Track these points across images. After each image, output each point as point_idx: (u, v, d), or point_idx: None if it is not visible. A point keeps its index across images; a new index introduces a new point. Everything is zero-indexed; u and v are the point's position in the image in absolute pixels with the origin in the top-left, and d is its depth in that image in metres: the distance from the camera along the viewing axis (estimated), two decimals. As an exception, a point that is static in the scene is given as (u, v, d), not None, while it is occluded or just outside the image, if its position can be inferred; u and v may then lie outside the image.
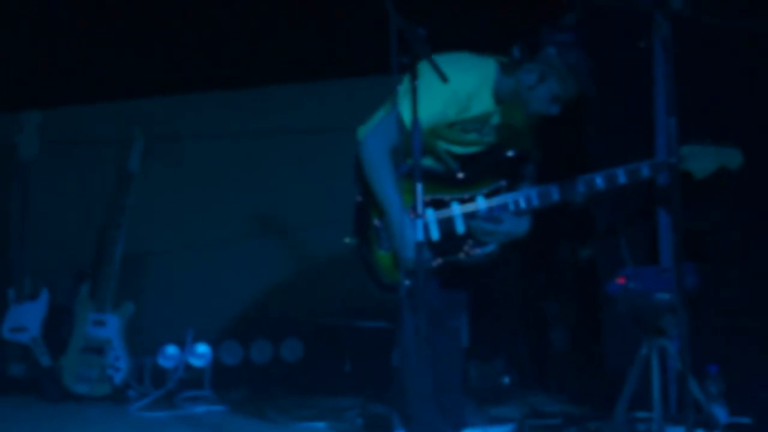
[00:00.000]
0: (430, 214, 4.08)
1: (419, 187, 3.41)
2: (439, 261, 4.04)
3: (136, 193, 6.15)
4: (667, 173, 3.44)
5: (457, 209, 4.09)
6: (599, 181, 4.05)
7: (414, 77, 3.47)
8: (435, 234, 4.06)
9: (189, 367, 6.04)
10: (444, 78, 3.44)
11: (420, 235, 3.41)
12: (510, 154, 4.14)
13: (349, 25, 6.11)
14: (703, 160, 4.06)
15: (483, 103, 4.02)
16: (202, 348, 6.09)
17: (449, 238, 4.08)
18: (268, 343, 6.19)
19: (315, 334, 5.97)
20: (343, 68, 6.35)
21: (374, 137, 3.99)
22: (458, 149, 4.15)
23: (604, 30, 4.67)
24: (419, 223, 3.42)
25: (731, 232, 4.63)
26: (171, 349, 6.09)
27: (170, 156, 6.53)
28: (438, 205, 4.08)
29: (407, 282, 3.79)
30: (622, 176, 4.05)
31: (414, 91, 3.47)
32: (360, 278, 4.20)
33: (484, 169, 4.14)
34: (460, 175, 4.14)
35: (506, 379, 5.62)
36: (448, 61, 3.93)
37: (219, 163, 6.58)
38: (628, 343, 4.31)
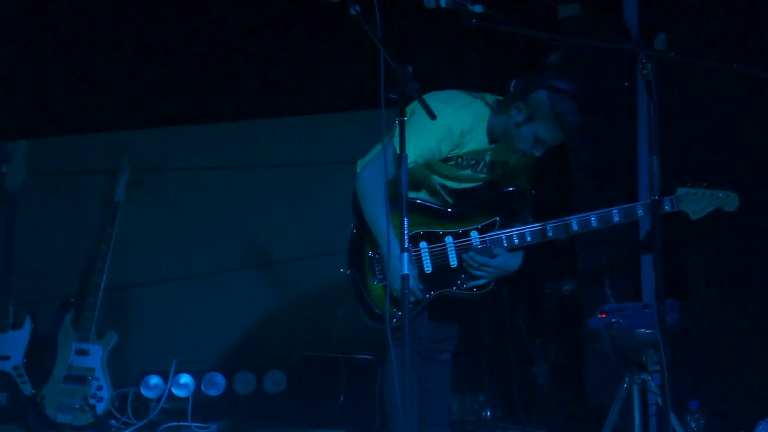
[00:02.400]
0: (424, 247, 4.12)
1: (406, 220, 3.45)
2: (432, 294, 4.07)
3: (122, 224, 6.16)
4: (658, 213, 3.47)
5: (450, 242, 4.13)
6: (594, 220, 4.10)
7: (402, 113, 3.52)
8: (428, 266, 4.10)
9: (172, 398, 6.04)
10: (432, 115, 3.49)
11: (405, 268, 3.45)
12: (505, 190, 4.19)
13: (340, 60, 6.15)
14: (699, 202, 4.11)
15: (477, 140, 4.06)
16: (185, 378, 6.09)
17: (442, 271, 4.12)
18: (251, 375, 6.18)
19: (298, 365, 5.96)
20: (332, 102, 6.39)
21: (370, 170, 4.02)
22: (453, 184, 4.19)
23: (589, 69, 4.74)
24: (405, 257, 3.46)
25: (713, 270, 4.67)
26: (154, 379, 6.08)
27: (158, 187, 6.55)
28: (432, 238, 4.12)
29: (398, 313, 3.82)
30: (616, 216, 4.09)
31: (402, 127, 3.51)
32: (345, 310, 4.23)
33: (478, 205, 4.17)
34: (455, 210, 4.18)
35: (488, 413, 5.64)
36: (442, 98, 3.99)
37: (206, 194, 6.60)
38: (609, 378, 4.34)
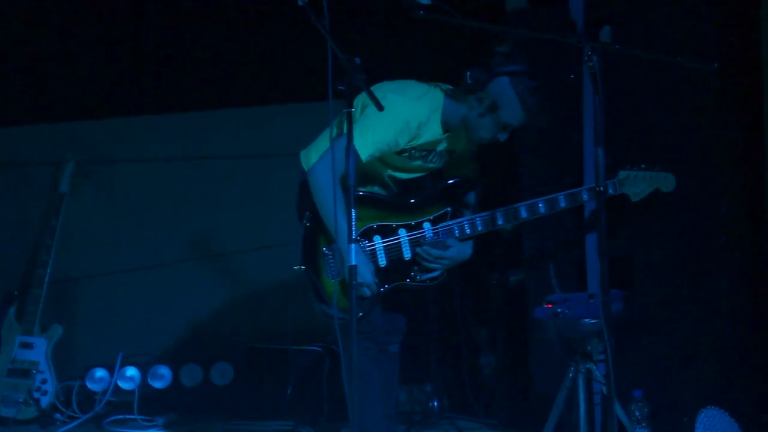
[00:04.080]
0: (378, 241, 4.12)
1: (354, 212, 3.45)
2: (386, 287, 4.07)
3: (68, 216, 6.11)
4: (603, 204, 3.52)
5: (404, 235, 4.14)
6: (541, 206, 4.15)
7: (350, 104, 3.52)
8: (382, 260, 4.10)
9: (118, 391, 6.00)
10: (380, 106, 3.49)
11: (353, 259, 3.45)
12: (455, 181, 4.21)
13: (288, 51, 6.15)
14: (639, 184, 4.20)
15: (432, 131, 4.06)
16: (131, 371, 6.06)
17: (396, 265, 4.11)
18: (198, 367, 6.16)
19: (245, 357, 5.95)
20: (281, 94, 6.38)
21: (323, 164, 3.92)
22: (402, 175, 4.19)
23: (535, 61, 4.77)
24: (353, 248, 3.46)
25: (656, 260, 4.73)
26: (99, 372, 6.05)
27: (103, 179, 6.50)
28: (385, 231, 4.12)
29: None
30: (562, 201, 4.16)
31: (349, 117, 3.51)
32: (295, 302, 4.22)
33: (430, 196, 4.18)
34: (407, 202, 4.19)
35: (435, 404, 5.66)
36: (396, 89, 3.99)
37: (153, 186, 6.56)
38: (555, 368, 4.38)
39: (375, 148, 3.94)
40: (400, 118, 3.93)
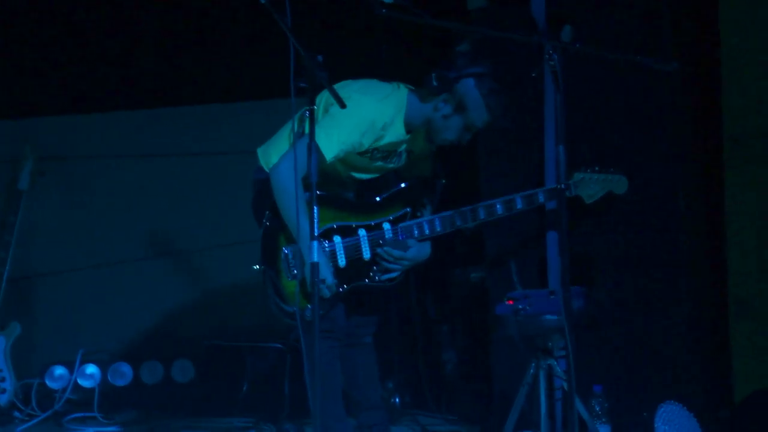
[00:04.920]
0: (338, 241, 4.11)
1: (316, 209, 3.45)
2: (344, 287, 4.04)
3: (26, 213, 6.06)
4: (564, 201, 3.55)
5: (364, 236, 4.13)
6: (499, 207, 4.16)
7: (312, 102, 3.52)
8: (342, 260, 4.09)
9: (77, 388, 5.96)
10: (342, 104, 3.49)
11: (315, 256, 3.45)
12: (415, 181, 4.21)
13: (249, 49, 6.13)
14: (593, 186, 4.24)
15: (396, 132, 4.05)
16: (91, 369, 6.02)
17: (355, 265, 4.09)
18: (158, 364, 6.14)
19: (206, 354, 5.94)
20: (241, 91, 6.36)
21: (287, 163, 3.84)
22: (361, 176, 4.18)
23: (497, 59, 4.79)
24: (315, 245, 3.45)
25: (616, 257, 4.77)
26: (59, 370, 6.00)
27: (62, 176, 6.45)
28: (345, 232, 4.11)
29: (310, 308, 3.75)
30: (519, 202, 4.18)
31: (311, 116, 3.51)
32: (256, 299, 4.20)
33: (390, 196, 4.17)
34: (367, 202, 4.17)
35: (397, 400, 5.68)
36: (361, 89, 3.97)
37: (113, 184, 6.53)
38: (516, 364, 4.41)
39: (340, 148, 3.92)
40: (366, 118, 3.92)
